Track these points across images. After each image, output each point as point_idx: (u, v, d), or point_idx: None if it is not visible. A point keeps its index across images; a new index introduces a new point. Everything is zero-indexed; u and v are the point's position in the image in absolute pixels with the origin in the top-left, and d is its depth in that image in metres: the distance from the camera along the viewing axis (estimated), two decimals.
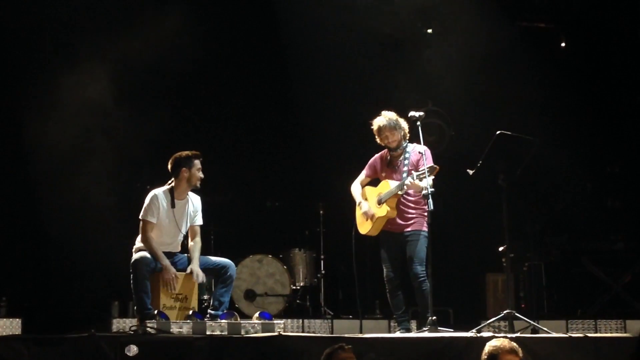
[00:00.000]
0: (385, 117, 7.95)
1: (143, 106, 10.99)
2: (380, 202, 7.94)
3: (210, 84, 11.25)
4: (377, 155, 8.19)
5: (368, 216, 7.99)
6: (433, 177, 7.57)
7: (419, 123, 7.84)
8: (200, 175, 7.81)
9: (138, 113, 10.98)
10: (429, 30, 11.89)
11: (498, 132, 7.71)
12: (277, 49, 11.36)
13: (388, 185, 7.90)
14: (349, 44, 11.30)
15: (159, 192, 7.79)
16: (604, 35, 11.91)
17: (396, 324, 8.22)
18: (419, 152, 7.86)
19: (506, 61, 11.55)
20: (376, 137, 8.02)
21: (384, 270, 8.00)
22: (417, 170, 7.66)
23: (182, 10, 10.88)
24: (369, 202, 8.05)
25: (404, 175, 7.82)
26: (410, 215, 7.90)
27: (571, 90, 11.53)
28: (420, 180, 7.56)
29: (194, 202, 7.95)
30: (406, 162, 7.89)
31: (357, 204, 8.15)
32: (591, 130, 11.56)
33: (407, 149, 7.95)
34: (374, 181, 8.23)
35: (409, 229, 7.89)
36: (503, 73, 11.44)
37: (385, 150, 8.09)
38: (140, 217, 7.74)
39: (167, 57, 11.04)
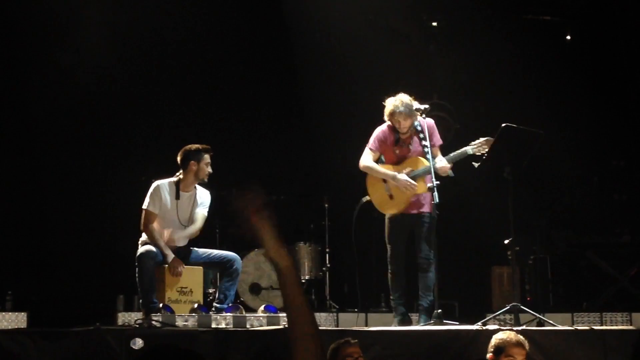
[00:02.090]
0: (401, 103, 7.75)
1: (148, 99, 11.01)
2: (414, 179, 7.74)
3: (215, 76, 11.25)
4: (382, 129, 7.99)
5: (410, 188, 7.73)
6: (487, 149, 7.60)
7: (424, 116, 7.83)
8: (209, 169, 7.79)
9: (143, 106, 11.01)
10: (434, 23, 11.87)
11: (504, 125, 7.69)
12: (282, 41, 11.34)
13: (422, 162, 7.74)
14: (355, 37, 11.27)
15: (163, 183, 7.79)
16: (609, 28, 11.87)
17: (393, 311, 8.02)
18: (430, 126, 7.83)
19: (511, 54, 11.53)
20: (385, 117, 7.88)
21: (391, 249, 7.87)
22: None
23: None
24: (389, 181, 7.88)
25: (426, 150, 7.64)
26: (425, 197, 7.84)
27: (577, 83, 11.49)
28: (477, 152, 7.63)
29: (202, 196, 7.92)
30: (422, 135, 7.75)
31: (392, 177, 7.81)
32: (597, 123, 11.53)
33: (415, 123, 7.80)
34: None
35: (422, 210, 7.82)
36: (508, 66, 11.42)
37: (388, 124, 7.93)
38: (143, 207, 7.74)
39: (172, 48, 11.07)
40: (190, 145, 7.84)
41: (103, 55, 10.79)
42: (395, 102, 7.80)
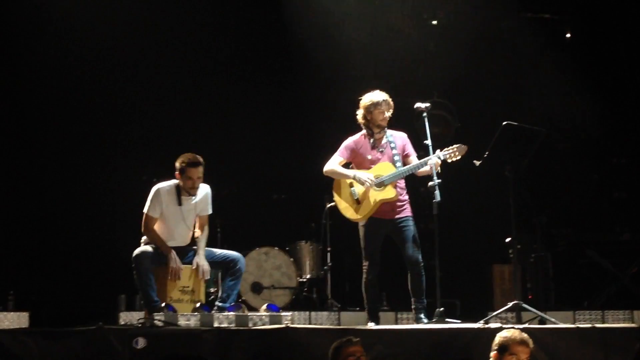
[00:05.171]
0: (384, 94, 7.81)
1: (150, 98, 11.01)
2: (381, 184, 7.71)
3: (216, 76, 11.25)
4: (354, 139, 7.96)
5: (368, 183, 7.68)
6: (460, 157, 7.60)
7: (425, 114, 7.82)
8: (191, 184, 7.64)
9: (144, 105, 11.01)
10: (434, 22, 11.87)
11: (504, 123, 7.69)
12: (283, 41, 11.34)
13: (391, 167, 7.72)
14: (355, 36, 11.28)
15: (164, 186, 7.74)
16: (609, 26, 11.88)
17: (368, 317, 7.87)
18: (402, 138, 7.88)
19: (511, 52, 11.54)
20: (364, 113, 7.81)
21: (368, 259, 7.77)
22: (441, 150, 7.63)
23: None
24: (356, 186, 7.81)
25: (395, 158, 7.69)
26: (403, 202, 7.79)
27: (576, 81, 11.50)
28: (447, 160, 7.58)
29: (202, 192, 7.83)
30: (392, 144, 7.77)
31: (352, 177, 7.79)
32: (597, 121, 11.54)
33: (387, 133, 7.83)
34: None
35: (401, 215, 7.75)
36: (508, 64, 11.42)
37: (363, 133, 7.91)
38: (143, 210, 7.73)
39: (174, 47, 11.07)
40: (181, 156, 7.69)
41: (104, 54, 10.81)
42: (379, 93, 7.82)
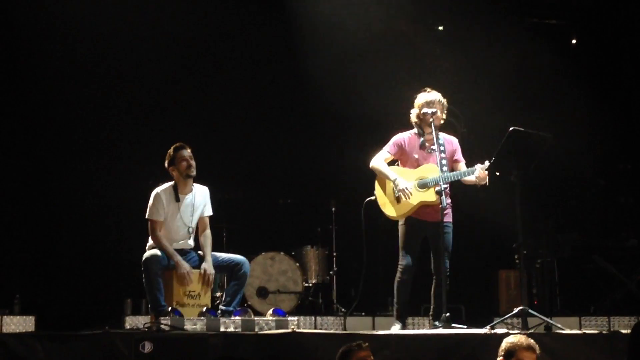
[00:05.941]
0: (438, 94, 7.81)
1: (156, 102, 11.03)
2: (424, 186, 7.68)
3: (222, 80, 11.26)
4: (404, 135, 7.91)
5: (405, 196, 7.62)
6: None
7: (431, 120, 7.80)
8: (186, 164, 7.74)
9: (151, 109, 11.03)
10: (440, 27, 11.88)
11: (511, 128, 7.68)
12: (289, 45, 11.35)
13: (437, 170, 7.62)
14: (361, 41, 11.28)
15: (161, 189, 7.81)
16: (615, 32, 11.88)
17: (395, 316, 7.81)
18: (453, 143, 7.88)
19: (517, 58, 11.53)
20: (418, 112, 7.80)
21: (405, 258, 7.71)
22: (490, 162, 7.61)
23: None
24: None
25: (443, 162, 7.61)
26: (447, 205, 7.73)
27: (583, 87, 11.50)
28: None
29: (201, 193, 7.91)
30: (442, 147, 7.70)
31: (392, 180, 7.71)
32: (603, 127, 11.53)
33: (439, 136, 7.78)
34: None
35: (445, 220, 7.64)
36: (514, 69, 11.42)
37: (414, 132, 7.90)
38: (146, 217, 7.76)
39: (180, 51, 11.08)
40: (167, 152, 7.84)
41: (111, 58, 10.83)
42: (432, 92, 7.84)
